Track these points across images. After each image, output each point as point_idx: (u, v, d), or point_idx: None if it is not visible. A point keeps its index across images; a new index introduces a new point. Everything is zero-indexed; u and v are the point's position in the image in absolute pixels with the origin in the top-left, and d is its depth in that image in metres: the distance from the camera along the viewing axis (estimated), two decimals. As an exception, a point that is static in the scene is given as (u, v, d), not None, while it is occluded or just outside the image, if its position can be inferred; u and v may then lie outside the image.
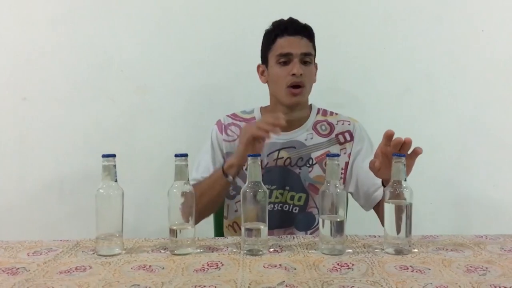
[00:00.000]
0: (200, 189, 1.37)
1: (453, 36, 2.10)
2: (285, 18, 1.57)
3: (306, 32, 1.54)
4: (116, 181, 1.16)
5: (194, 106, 2.11)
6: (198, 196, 1.24)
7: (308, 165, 1.56)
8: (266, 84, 1.60)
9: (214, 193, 1.46)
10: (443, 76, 2.12)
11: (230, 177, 1.43)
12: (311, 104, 1.65)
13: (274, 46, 1.53)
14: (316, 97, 1.64)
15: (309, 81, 1.54)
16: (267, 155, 1.56)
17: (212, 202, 1.49)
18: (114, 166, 1.16)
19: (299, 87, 1.50)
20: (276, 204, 1.55)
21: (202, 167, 1.57)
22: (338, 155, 1.18)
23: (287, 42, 1.51)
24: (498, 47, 2.10)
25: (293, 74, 1.48)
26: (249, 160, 1.17)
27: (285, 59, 1.50)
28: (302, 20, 1.56)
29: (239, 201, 1.56)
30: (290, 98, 1.52)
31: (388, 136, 1.22)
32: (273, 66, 1.53)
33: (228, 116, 1.65)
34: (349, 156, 1.57)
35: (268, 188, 1.44)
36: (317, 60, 1.60)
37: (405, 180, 1.16)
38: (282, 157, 1.56)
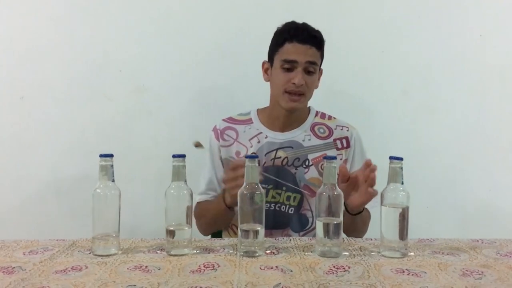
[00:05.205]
0: (206, 217, 1.55)
1: (451, 41, 2.10)
2: (285, 20, 1.56)
3: (315, 40, 1.51)
4: (113, 181, 1.16)
5: (192, 106, 2.11)
6: (207, 219, 1.54)
7: (304, 166, 1.56)
8: (268, 82, 1.60)
9: (219, 222, 1.59)
10: (440, 80, 2.12)
11: (236, 208, 1.37)
12: (309, 107, 1.65)
13: (282, 49, 1.51)
14: (314, 100, 1.64)
15: (310, 90, 1.54)
16: (265, 155, 1.56)
17: (217, 227, 1.65)
18: (112, 166, 1.16)
19: (298, 94, 1.51)
20: (273, 204, 1.55)
21: (206, 179, 1.61)
22: (335, 158, 1.19)
23: (294, 49, 1.49)
24: (495, 52, 2.11)
25: (294, 83, 1.48)
26: (247, 161, 1.16)
27: (289, 66, 1.50)
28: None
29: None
30: (287, 103, 1.52)
31: (367, 165, 1.28)
32: (277, 69, 1.53)
33: (223, 120, 1.65)
34: (344, 162, 1.58)
35: (264, 188, 1.45)
36: None
37: (402, 184, 1.16)
38: (280, 157, 1.57)
